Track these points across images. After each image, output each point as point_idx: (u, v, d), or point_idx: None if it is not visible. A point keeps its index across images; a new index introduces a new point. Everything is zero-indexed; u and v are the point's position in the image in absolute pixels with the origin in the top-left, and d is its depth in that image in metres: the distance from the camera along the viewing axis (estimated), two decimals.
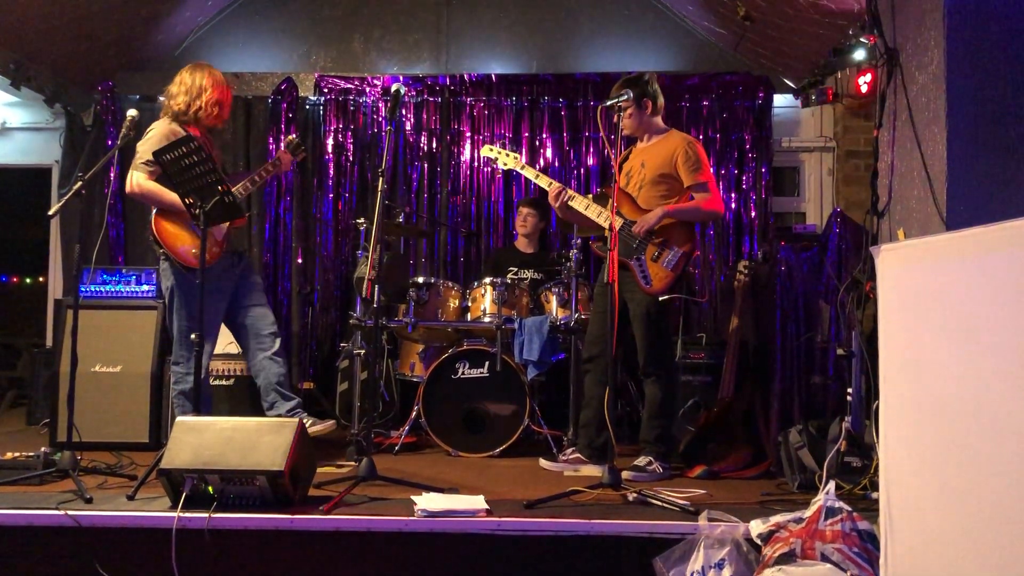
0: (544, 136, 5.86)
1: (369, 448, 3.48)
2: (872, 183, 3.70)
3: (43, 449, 3.53)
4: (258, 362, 3.91)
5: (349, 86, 5.93)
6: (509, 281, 4.62)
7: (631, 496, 3.16)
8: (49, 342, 5.87)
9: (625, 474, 3.51)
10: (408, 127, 5.92)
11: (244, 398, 4.52)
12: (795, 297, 4.05)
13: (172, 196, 3.65)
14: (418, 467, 3.93)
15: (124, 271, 4.64)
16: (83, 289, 4.43)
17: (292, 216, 5.90)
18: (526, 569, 2.84)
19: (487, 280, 4.59)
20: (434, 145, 5.92)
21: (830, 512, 2.56)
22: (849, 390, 3.45)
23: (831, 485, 2.71)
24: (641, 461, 3.76)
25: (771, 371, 4.05)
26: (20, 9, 4.76)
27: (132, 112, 3.67)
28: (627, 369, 4.80)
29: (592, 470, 3.71)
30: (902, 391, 2.26)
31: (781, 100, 5.88)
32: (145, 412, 4.37)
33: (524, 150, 5.81)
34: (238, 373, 4.58)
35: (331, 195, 5.90)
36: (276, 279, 5.86)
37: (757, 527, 2.69)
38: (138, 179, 3.73)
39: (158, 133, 3.76)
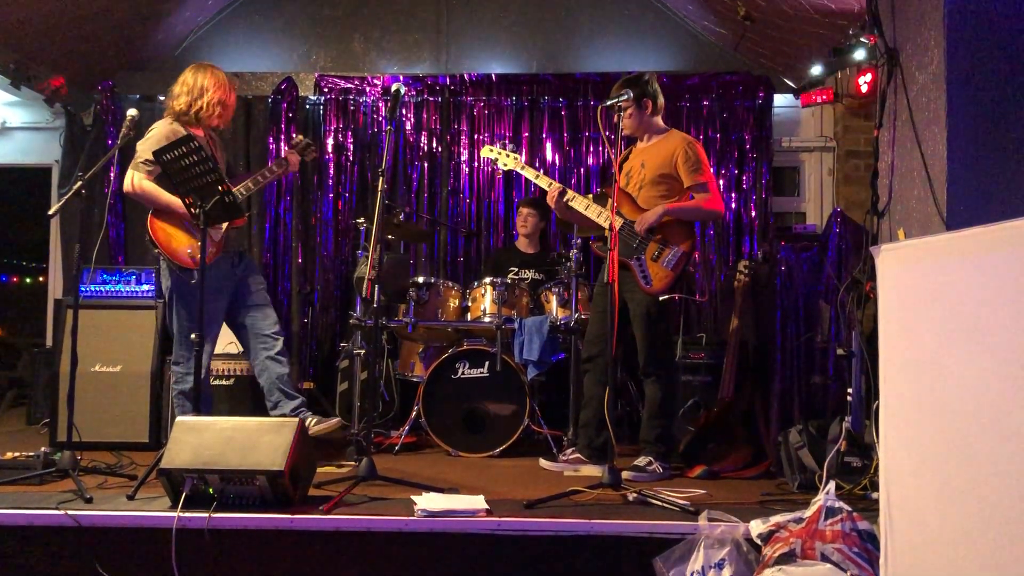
0: (544, 136, 5.86)
1: (369, 448, 3.48)
2: (872, 183, 3.69)
3: (43, 449, 3.54)
4: (261, 362, 3.91)
5: (349, 86, 5.93)
6: (509, 281, 4.62)
7: (631, 496, 3.16)
8: (49, 342, 5.86)
9: (625, 474, 3.51)
10: (408, 127, 5.92)
11: (244, 398, 4.52)
12: (795, 297, 4.05)
13: (168, 197, 3.65)
14: (418, 467, 3.93)
15: (124, 271, 4.64)
16: (83, 289, 4.43)
17: (292, 216, 5.90)
18: (526, 569, 2.84)
19: (487, 280, 4.59)
20: (434, 145, 5.92)
21: (830, 512, 2.56)
22: (849, 390, 3.45)
23: (831, 485, 2.71)
24: (641, 461, 3.76)
25: (771, 371, 4.05)
26: (20, 9, 4.75)
27: (132, 112, 3.67)
28: (627, 369, 4.80)
29: (592, 470, 3.71)
30: (902, 391, 2.25)
31: (781, 100, 5.88)
32: (145, 412, 4.38)
33: (524, 150, 5.81)
34: (238, 373, 4.58)
35: (331, 195, 5.90)
36: (276, 279, 5.85)
37: (757, 527, 2.69)
38: (136, 178, 3.73)
39: (158, 133, 3.76)
